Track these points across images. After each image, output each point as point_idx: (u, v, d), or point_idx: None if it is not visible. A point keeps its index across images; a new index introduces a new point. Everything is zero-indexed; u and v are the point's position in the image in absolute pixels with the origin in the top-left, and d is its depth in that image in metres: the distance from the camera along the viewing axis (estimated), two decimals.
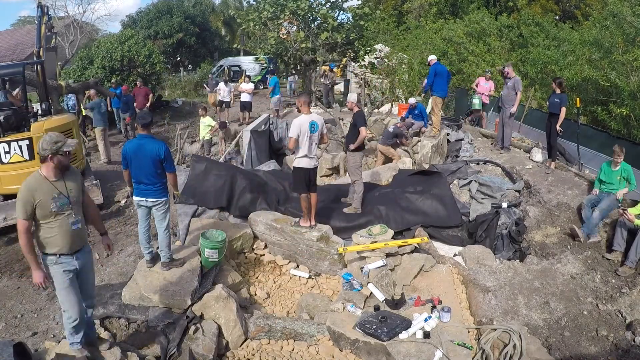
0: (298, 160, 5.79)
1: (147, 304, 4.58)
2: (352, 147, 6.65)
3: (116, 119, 13.41)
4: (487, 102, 12.34)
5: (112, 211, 7.48)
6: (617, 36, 11.36)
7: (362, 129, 6.51)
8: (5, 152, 6.52)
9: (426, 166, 8.63)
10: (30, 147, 6.51)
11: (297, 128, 5.61)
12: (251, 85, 14.37)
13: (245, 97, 13.95)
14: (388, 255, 5.46)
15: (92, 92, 11.31)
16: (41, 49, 8.01)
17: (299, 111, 5.74)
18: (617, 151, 6.19)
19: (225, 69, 22.81)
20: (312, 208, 5.95)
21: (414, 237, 6.25)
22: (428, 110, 10.65)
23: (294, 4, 13.29)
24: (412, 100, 10.25)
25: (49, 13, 8.90)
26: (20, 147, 6.43)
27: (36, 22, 9.13)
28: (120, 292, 4.70)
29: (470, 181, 7.67)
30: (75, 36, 21.04)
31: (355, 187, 6.83)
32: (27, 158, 6.50)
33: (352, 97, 6.90)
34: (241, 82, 15.29)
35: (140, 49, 16.16)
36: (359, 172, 6.81)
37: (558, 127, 7.87)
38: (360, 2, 17.88)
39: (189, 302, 4.50)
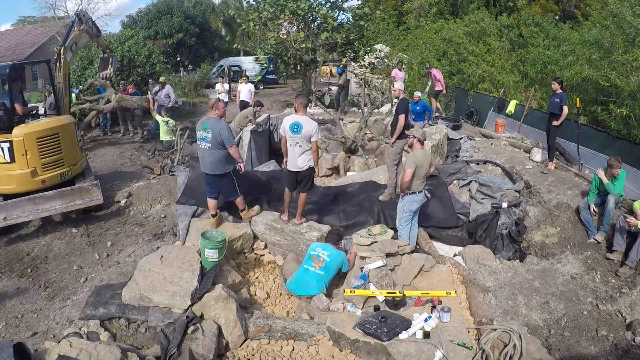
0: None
1: (147, 304, 4.58)
2: (393, 138, 6.77)
3: (101, 120, 13.01)
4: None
5: (112, 211, 7.47)
6: (617, 36, 11.33)
7: (401, 117, 6.44)
8: None
9: None
10: (10, 150, 6.31)
11: (282, 127, 5.76)
12: (250, 86, 14.34)
13: (244, 98, 13.93)
14: (388, 255, 5.45)
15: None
16: (63, 48, 8.14)
17: (296, 111, 5.82)
18: (616, 164, 5.87)
19: (225, 69, 22.82)
20: (299, 206, 6.04)
21: None
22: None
23: (294, 4, 13.24)
24: (417, 94, 10.16)
25: (89, 21, 9.13)
26: (2, 148, 6.34)
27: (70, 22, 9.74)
28: (120, 292, 4.70)
29: (470, 181, 7.67)
30: None
31: (389, 174, 7.03)
32: (9, 160, 6.32)
33: (399, 85, 6.89)
34: (241, 83, 15.26)
35: (140, 49, 16.13)
36: (395, 159, 6.92)
37: (556, 123, 7.86)
38: (360, 2, 17.84)
39: (189, 302, 4.49)
